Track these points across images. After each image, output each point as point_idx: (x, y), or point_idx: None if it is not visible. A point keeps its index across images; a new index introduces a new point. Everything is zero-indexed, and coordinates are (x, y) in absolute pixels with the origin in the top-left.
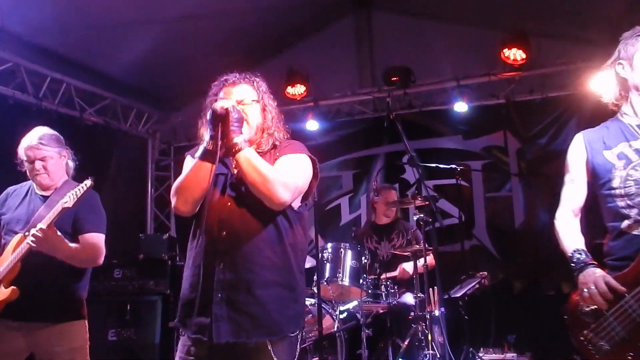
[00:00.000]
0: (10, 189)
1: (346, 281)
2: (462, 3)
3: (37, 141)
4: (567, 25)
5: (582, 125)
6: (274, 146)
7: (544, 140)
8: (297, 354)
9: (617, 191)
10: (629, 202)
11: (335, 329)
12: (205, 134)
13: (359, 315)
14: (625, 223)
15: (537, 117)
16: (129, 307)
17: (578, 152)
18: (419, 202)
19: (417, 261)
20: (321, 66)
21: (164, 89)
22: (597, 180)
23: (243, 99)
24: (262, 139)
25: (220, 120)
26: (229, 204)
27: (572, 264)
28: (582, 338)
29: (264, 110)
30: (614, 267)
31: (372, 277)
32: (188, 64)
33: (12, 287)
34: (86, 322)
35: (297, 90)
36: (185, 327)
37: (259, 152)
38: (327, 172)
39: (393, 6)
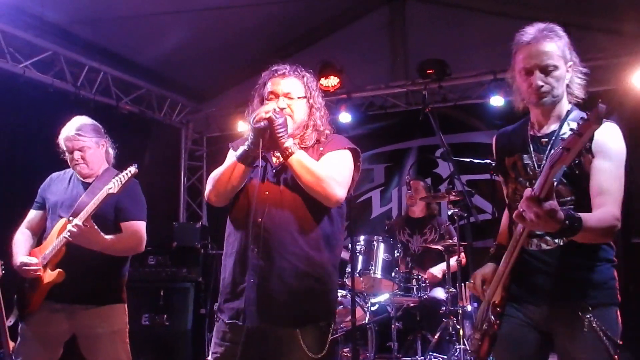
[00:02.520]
0: (54, 174)
1: (378, 274)
2: None
3: (74, 132)
4: (608, 19)
5: (623, 122)
6: (317, 141)
7: None
8: (328, 344)
9: (509, 201)
10: None
11: (366, 320)
12: (249, 135)
13: (389, 308)
14: (517, 231)
15: None
16: (162, 293)
17: (494, 156)
18: (452, 197)
19: (450, 256)
20: (354, 58)
21: (197, 80)
22: (503, 187)
23: (290, 92)
24: (305, 134)
25: (264, 133)
26: (267, 192)
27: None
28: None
29: (310, 107)
30: None
31: (404, 270)
32: (221, 55)
33: (59, 269)
34: (126, 306)
35: (330, 82)
36: (222, 312)
37: (302, 148)
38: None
39: None
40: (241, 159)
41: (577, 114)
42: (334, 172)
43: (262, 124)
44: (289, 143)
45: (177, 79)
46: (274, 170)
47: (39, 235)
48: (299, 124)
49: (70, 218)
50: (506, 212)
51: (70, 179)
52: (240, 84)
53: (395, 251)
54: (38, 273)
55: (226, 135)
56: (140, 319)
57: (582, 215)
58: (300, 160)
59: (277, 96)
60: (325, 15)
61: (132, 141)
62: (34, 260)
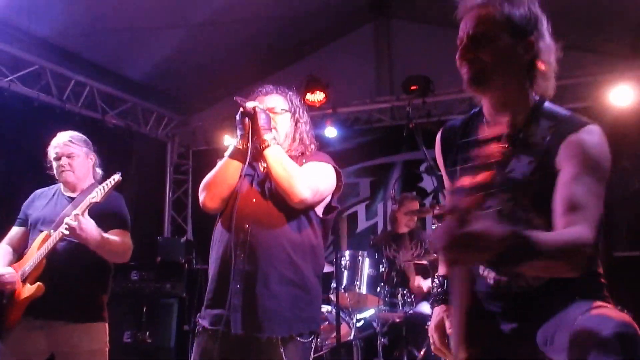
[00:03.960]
0: (39, 191)
1: (363, 289)
2: None
3: (67, 138)
4: (585, 37)
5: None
6: (302, 154)
7: None
8: None
9: None
10: None
11: (352, 336)
12: (237, 134)
13: (375, 324)
14: None
15: None
16: (145, 309)
17: (436, 154)
18: (437, 211)
19: (435, 271)
20: (340, 73)
21: (184, 93)
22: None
23: (273, 107)
24: (291, 147)
25: (249, 118)
26: (254, 200)
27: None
28: None
29: (295, 121)
30: None
31: (389, 286)
32: (208, 69)
33: (38, 283)
34: (107, 325)
35: (316, 97)
36: (204, 318)
37: None
38: (345, 179)
39: (412, 14)
40: (232, 154)
41: (550, 105)
42: (307, 174)
43: (247, 108)
44: (268, 136)
45: (164, 93)
46: (261, 178)
47: (20, 252)
48: (284, 136)
49: (52, 231)
50: None
51: (54, 194)
52: (226, 98)
53: (381, 266)
54: (12, 285)
55: (212, 149)
56: (122, 335)
57: (530, 233)
58: (275, 153)
59: None
60: (311, 31)
61: (118, 155)
62: (9, 270)
